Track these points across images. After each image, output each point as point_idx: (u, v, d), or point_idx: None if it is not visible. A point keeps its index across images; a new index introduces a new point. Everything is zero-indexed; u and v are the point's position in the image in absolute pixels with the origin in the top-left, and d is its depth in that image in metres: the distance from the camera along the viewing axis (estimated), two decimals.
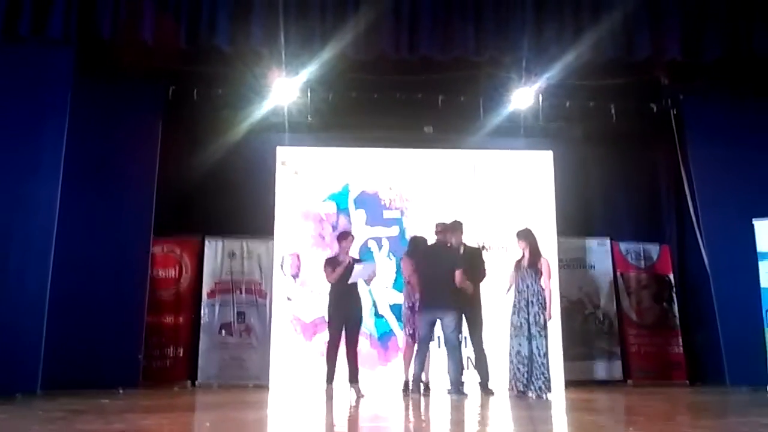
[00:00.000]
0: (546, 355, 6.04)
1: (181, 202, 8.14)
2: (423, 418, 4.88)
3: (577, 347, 8.09)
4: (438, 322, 6.23)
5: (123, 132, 7.37)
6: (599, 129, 8.63)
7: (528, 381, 6.01)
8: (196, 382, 7.68)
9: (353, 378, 6.29)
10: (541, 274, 6.18)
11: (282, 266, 7.82)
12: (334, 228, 7.80)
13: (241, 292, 8.02)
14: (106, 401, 5.50)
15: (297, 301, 7.73)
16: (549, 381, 6.03)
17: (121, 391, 6.43)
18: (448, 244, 6.46)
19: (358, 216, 8.00)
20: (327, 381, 6.27)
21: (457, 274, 6.13)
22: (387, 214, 8.00)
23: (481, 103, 8.28)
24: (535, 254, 6.26)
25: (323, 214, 7.97)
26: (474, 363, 6.73)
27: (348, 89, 8.02)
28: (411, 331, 6.56)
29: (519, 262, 6.36)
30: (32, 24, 6.25)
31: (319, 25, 6.57)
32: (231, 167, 8.28)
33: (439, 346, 6.84)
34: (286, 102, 8.06)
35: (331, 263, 6.45)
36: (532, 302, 6.11)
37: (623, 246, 8.66)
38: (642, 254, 8.67)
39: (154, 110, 7.67)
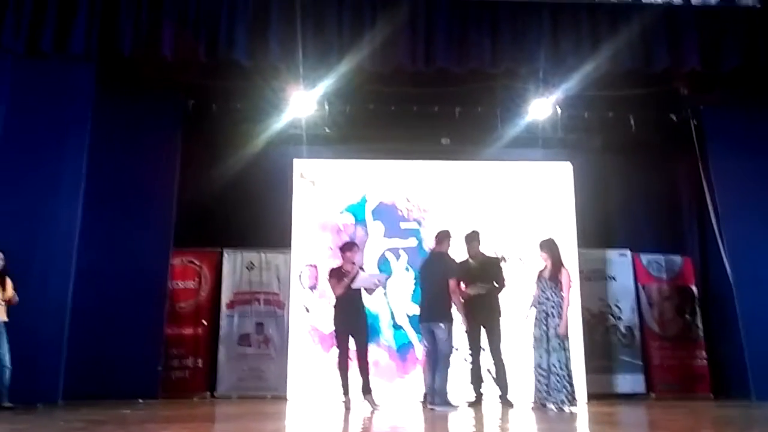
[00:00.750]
0: (567, 367, 5.95)
1: (200, 215, 8.22)
2: (439, 430, 4.84)
3: (599, 360, 7.99)
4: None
5: (143, 145, 7.50)
6: (619, 140, 8.58)
7: (548, 394, 5.93)
8: (215, 393, 7.72)
9: (366, 390, 6.26)
10: (561, 285, 6.11)
11: (300, 277, 7.85)
12: (352, 239, 7.82)
13: (259, 304, 8.07)
14: (127, 412, 5.53)
15: (315, 312, 7.74)
16: (571, 394, 5.92)
17: (141, 402, 6.47)
18: (444, 254, 6.36)
19: (375, 227, 8.00)
20: (343, 392, 6.26)
21: (451, 282, 6.05)
22: (404, 226, 8.00)
23: (498, 115, 8.29)
24: (556, 265, 6.18)
25: (341, 226, 7.99)
26: (493, 374, 6.66)
27: (365, 101, 8.08)
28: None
29: (541, 273, 6.30)
30: (55, 40, 6.40)
31: (336, 39, 6.63)
32: (249, 180, 8.36)
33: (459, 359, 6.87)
34: (303, 115, 8.13)
35: (336, 275, 6.42)
36: (552, 314, 6.03)
37: (645, 257, 8.57)
38: (664, 266, 8.57)
39: (174, 124, 7.80)
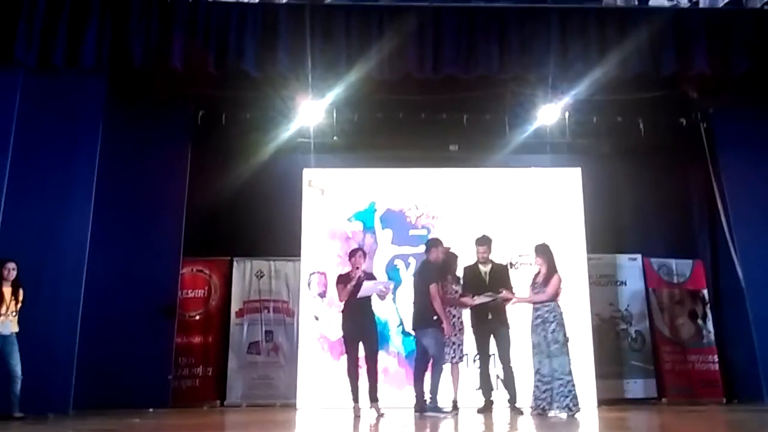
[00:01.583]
0: (569, 372, 5.87)
1: (209, 224, 8.27)
2: None
3: (609, 365, 7.96)
4: None
5: (153, 156, 7.56)
6: (628, 144, 8.55)
7: (551, 400, 5.87)
8: (225, 402, 7.73)
9: (373, 396, 6.25)
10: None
11: (309, 285, 7.86)
12: (360, 247, 7.81)
13: (269, 312, 8.09)
14: (137, 421, 5.56)
15: (324, 319, 7.74)
16: (576, 399, 5.85)
17: (151, 411, 6.49)
18: (427, 261, 6.36)
19: (384, 235, 8.01)
20: (353, 399, 6.26)
21: (431, 288, 6.05)
22: (413, 233, 7.99)
23: (506, 121, 8.28)
24: (550, 271, 6.11)
25: (350, 233, 8.00)
26: (502, 381, 6.63)
27: (373, 110, 8.10)
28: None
29: (535, 278, 6.25)
30: (66, 53, 6.47)
31: (345, 48, 6.67)
32: (258, 188, 8.40)
33: (467, 366, 6.85)
34: (312, 123, 8.16)
35: (342, 280, 6.42)
36: (548, 320, 5.97)
37: (655, 262, 8.53)
38: (675, 270, 8.54)
39: (184, 134, 7.86)
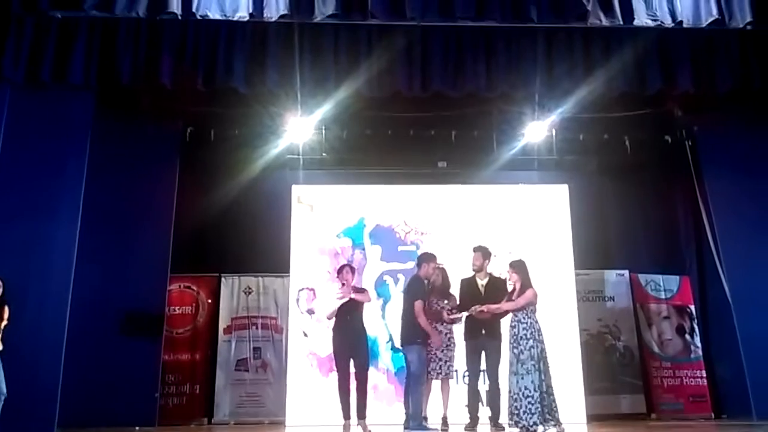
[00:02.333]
0: (539, 388, 5.76)
1: (197, 240, 8.24)
2: None
3: (598, 381, 7.97)
4: None
5: (141, 172, 7.54)
6: (614, 161, 8.65)
7: (519, 417, 5.77)
8: (213, 420, 7.66)
9: (361, 414, 6.21)
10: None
11: (298, 302, 7.83)
12: (350, 263, 7.80)
13: (257, 328, 8.05)
14: None
15: (313, 336, 7.70)
16: (543, 415, 5.73)
17: (137, 430, 6.42)
18: (415, 276, 6.37)
19: (373, 251, 8.01)
20: (344, 416, 6.22)
21: (416, 305, 6.08)
22: (402, 249, 8.00)
23: (494, 138, 8.36)
24: (524, 286, 6.06)
25: (339, 249, 7.99)
26: (487, 396, 6.58)
27: (362, 126, 8.14)
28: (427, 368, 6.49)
29: (510, 294, 6.20)
30: (54, 70, 6.44)
31: (334, 65, 6.69)
32: (247, 205, 8.39)
33: (457, 382, 6.82)
34: (301, 140, 8.19)
35: (331, 297, 6.42)
36: (524, 336, 5.92)
37: (642, 278, 8.58)
38: (662, 285, 8.60)
39: (172, 150, 7.86)
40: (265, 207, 8.43)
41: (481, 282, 6.47)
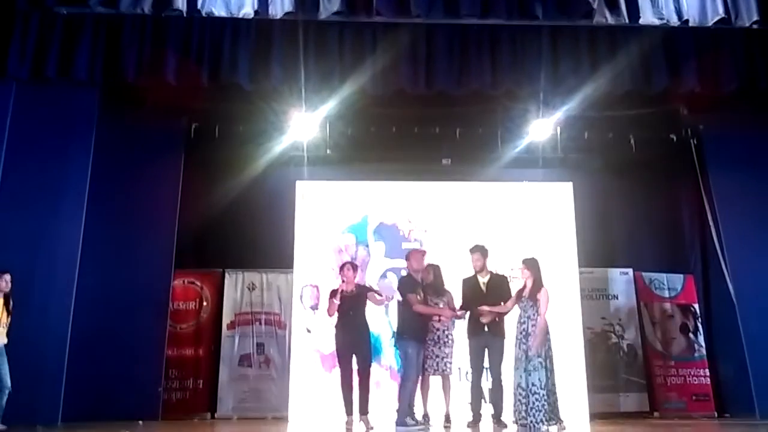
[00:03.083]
0: (545, 386, 5.81)
1: (202, 236, 8.26)
2: None
3: (601, 379, 7.95)
4: None
5: (145, 168, 7.56)
6: (619, 159, 8.61)
7: (527, 414, 5.81)
8: (216, 414, 7.69)
9: (363, 409, 6.23)
10: (540, 303, 6.03)
11: (301, 298, 7.85)
12: (353, 259, 7.82)
13: (260, 324, 8.07)
14: None
15: (316, 332, 7.73)
16: (549, 413, 5.78)
17: (141, 423, 6.46)
18: (410, 272, 6.48)
19: (377, 248, 8.02)
20: (346, 412, 6.24)
21: (408, 297, 6.17)
22: (406, 246, 7.99)
23: (498, 136, 8.34)
24: (537, 284, 6.10)
25: (342, 246, 8.00)
26: (490, 394, 6.60)
27: (366, 123, 8.14)
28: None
29: (520, 291, 6.23)
30: (59, 67, 6.50)
31: (338, 62, 6.71)
32: (251, 201, 8.40)
33: (459, 380, 6.86)
34: (305, 137, 8.19)
35: (333, 294, 6.42)
36: (532, 333, 5.94)
37: (646, 276, 8.56)
38: (666, 284, 8.57)
39: (176, 147, 7.88)
40: (269, 203, 8.44)
41: (483, 280, 6.48)
